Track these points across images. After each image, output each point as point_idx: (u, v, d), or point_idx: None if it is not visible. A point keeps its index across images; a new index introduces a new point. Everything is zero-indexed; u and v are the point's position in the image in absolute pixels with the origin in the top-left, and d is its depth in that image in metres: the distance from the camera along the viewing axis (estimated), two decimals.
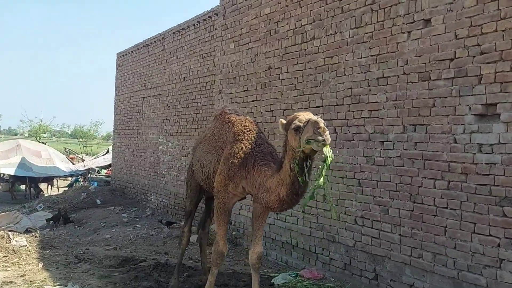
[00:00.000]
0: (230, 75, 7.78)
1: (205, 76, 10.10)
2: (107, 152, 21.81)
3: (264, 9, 7.01)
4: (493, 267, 3.89)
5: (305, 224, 6.05)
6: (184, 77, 11.02)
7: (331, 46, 5.69)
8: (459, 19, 4.23)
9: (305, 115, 3.24)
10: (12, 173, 16.36)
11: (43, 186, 18.93)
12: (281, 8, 6.62)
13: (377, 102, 5.04)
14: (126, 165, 14.37)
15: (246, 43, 7.39)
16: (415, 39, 4.63)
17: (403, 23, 4.77)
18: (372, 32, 5.13)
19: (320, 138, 2.96)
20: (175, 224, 8.57)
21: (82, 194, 14.35)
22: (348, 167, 5.37)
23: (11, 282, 4.77)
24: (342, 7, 5.54)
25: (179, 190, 10.95)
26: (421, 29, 4.58)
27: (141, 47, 13.64)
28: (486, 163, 3.96)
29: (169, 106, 11.73)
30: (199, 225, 5.09)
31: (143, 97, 13.36)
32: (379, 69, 5.02)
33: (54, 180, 19.00)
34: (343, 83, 5.49)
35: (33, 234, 7.21)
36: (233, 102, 7.66)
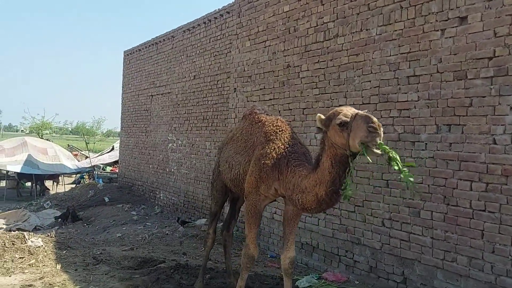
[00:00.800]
0: (246, 73, 7.63)
1: (216, 75, 9.98)
2: (112, 149, 21.69)
3: (282, 7, 6.86)
4: None
5: (327, 225, 5.92)
6: (195, 76, 10.90)
7: (356, 43, 5.54)
8: (499, 17, 4.08)
9: (349, 109, 3.07)
10: (18, 170, 16.23)
11: (48, 183, 18.82)
12: (301, 5, 6.47)
13: (407, 101, 4.90)
14: (134, 163, 14.25)
15: (263, 41, 7.24)
16: (450, 37, 4.48)
17: (436, 21, 4.62)
18: (402, 29, 4.98)
19: (378, 139, 2.81)
20: (189, 223, 8.43)
21: (90, 191, 14.23)
22: (375, 168, 5.23)
23: (30, 285, 4.62)
24: (369, 4, 5.39)
25: (189, 188, 10.85)
26: (456, 26, 4.43)
27: (149, 45, 13.50)
28: None
29: (178, 104, 11.61)
30: (223, 226, 4.95)
31: (152, 95, 13.24)
32: (409, 67, 4.88)
33: (60, 177, 18.87)
34: (370, 81, 5.34)
35: (48, 234, 7.07)
36: (248, 101, 7.52)
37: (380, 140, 2.80)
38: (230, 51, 8.73)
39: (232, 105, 7.99)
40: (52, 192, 17.84)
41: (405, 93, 4.93)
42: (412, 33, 4.87)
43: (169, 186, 11.84)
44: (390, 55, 5.10)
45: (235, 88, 7.91)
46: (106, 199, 13.06)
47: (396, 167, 2.88)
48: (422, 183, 4.72)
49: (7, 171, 17.10)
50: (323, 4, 6.06)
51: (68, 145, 30.57)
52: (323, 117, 3.19)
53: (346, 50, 5.66)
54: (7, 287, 4.51)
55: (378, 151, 2.82)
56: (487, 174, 4.14)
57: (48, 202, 14.13)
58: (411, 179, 2.89)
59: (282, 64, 6.74)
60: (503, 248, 3.99)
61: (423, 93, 4.74)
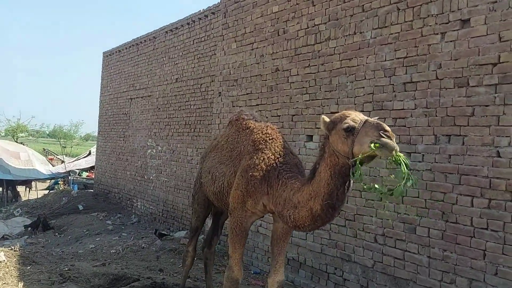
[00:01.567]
0: (232, 77, 7.26)
1: (200, 78, 9.57)
2: (89, 154, 20.96)
3: (271, 7, 6.52)
4: None
5: (315, 240, 5.56)
6: (177, 78, 10.47)
7: (349, 47, 5.23)
8: (505, 20, 3.81)
9: (358, 114, 2.73)
10: None
11: (20, 189, 17.99)
12: (290, 6, 6.14)
13: (403, 109, 4.59)
14: (110, 169, 13.68)
15: (250, 43, 6.88)
16: (451, 41, 4.20)
17: (436, 24, 4.33)
18: (398, 33, 4.68)
19: (392, 143, 2.48)
20: (167, 236, 7.96)
21: (63, 198, 13.59)
22: (368, 180, 4.89)
23: None
24: (363, 5, 5.08)
25: (168, 197, 10.36)
26: (457, 30, 4.15)
27: (130, 46, 13.01)
28: None
29: (159, 108, 11.14)
30: (204, 243, 4.54)
31: (131, 98, 12.73)
32: (406, 73, 4.58)
33: (33, 183, 18.08)
34: (363, 87, 5.03)
35: (13, 247, 6.51)
36: (234, 106, 7.14)
37: (395, 144, 2.48)
38: (215, 53, 8.35)
39: (217, 110, 7.60)
40: (23, 198, 17.04)
41: (401, 100, 4.62)
42: (409, 36, 4.57)
43: (147, 194, 11.33)
44: (386, 60, 4.80)
45: (220, 92, 7.52)
46: (80, 207, 12.45)
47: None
48: (418, 197, 4.41)
49: None
50: (314, 5, 5.74)
51: (44, 149, 29.54)
52: (327, 119, 2.84)
53: (339, 54, 5.34)
54: None
55: (392, 142, 2.47)
56: (490, 190, 3.84)
57: (19, 209, 13.43)
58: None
59: (271, 68, 6.39)
60: (507, 270, 3.68)
61: (420, 101, 4.44)
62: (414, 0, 4.54)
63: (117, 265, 5.88)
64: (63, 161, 20.89)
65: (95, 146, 17.43)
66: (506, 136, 3.75)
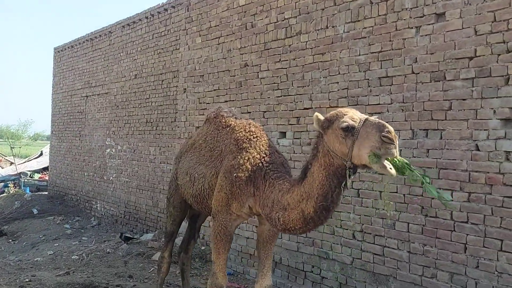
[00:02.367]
0: (197, 72, 7.01)
1: (161, 74, 9.21)
2: (41, 154, 19.95)
3: (237, 0, 6.33)
4: None
5: (291, 238, 5.46)
6: (136, 75, 10.04)
7: (321, 42, 5.13)
8: (480, 13, 3.82)
9: (355, 112, 2.59)
10: None
11: None
12: None
13: (379, 104, 4.55)
14: (66, 170, 13.01)
15: (217, 37, 6.66)
16: (426, 35, 4.18)
17: (411, 17, 4.31)
18: (372, 27, 4.63)
19: (394, 151, 2.36)
20: (134, 239, 7.62)
21: (16, 202, 12.79)
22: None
23: None
24: None
25: (130, 198, 9.96)
26: (432, 24, 4.14)
27: (83, 42, 12.37)
28: None
29: (117, 106, 10.67)
30: (180, 248, 4.32)
31: (87, 96, 12.13)
32: (381, 68, 4.54)
33: None
34: (337, 82, 4.95)
35: None
36: (201, 102, 6.91)
37: (396, 153, 2.36)
38: (177, 48, 8.07)
39: (182, 107, 7.33)
40: None
41: (377, 95, 4.59)
42: (383, 30, 4.53)
43: (107, 195, 10.84)
44: (360, 55, 4.74)
45: (185, 89, 7.26)
46: (35, 211, 11.75)
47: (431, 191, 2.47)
48: (396, 192, 4.39)
49: None
50: None
51: None
52: (321, 117, 2.68)
53: (311, 48, 5.24)
54: None
55: (392, 170, 2.36)
56: (469, 183, 3.86)
57: None
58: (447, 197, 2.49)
59: (239, 63, 6.20)
60: (489, 263, 3.72)
61: (396, 96, 4.42)
62: None
63: (83, 273, 5.52)
64: (12, 163, 19.74)
65: (48, 146, 16.57)
66: (484, 130, 3.78)
